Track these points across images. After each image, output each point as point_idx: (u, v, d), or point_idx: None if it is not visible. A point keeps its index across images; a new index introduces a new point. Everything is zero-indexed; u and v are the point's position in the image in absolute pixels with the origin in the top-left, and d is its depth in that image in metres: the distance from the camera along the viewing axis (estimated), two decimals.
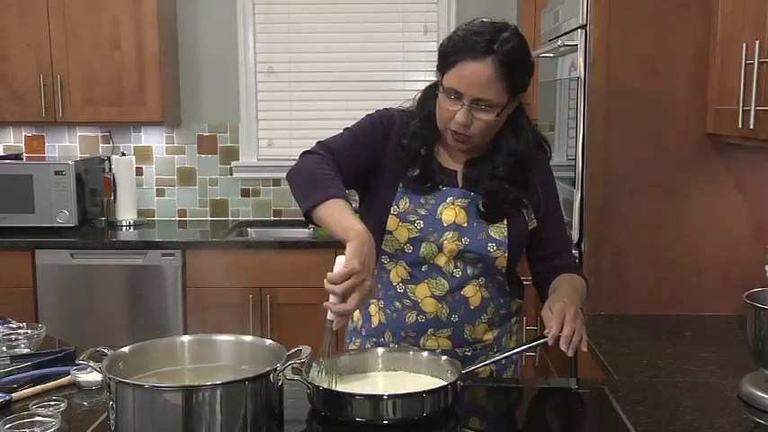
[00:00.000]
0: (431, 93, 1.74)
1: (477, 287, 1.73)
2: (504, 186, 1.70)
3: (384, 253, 1.75)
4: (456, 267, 1.71)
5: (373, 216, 1.75)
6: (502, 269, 1.74)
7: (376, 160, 1.74)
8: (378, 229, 1.72)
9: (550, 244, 1.83)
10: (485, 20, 1.64)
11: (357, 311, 1.84)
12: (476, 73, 1.59)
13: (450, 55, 1.62)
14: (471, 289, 1.73)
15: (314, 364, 1.48)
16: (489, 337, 1.78)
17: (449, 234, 1.70)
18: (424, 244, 1.71)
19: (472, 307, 1.73)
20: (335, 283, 1.41)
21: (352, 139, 1.74)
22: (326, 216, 1.54)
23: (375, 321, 1.80)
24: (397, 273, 1.74)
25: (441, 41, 1.69)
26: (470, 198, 1.72)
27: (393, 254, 1.74)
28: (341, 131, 1.78)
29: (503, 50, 1.58)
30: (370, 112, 1.80)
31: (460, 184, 1.75)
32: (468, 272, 1.72)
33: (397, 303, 1.75)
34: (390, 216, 1.71)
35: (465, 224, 1.71)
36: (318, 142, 1.73)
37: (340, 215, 1.52)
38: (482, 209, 1.71)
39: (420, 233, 1.70)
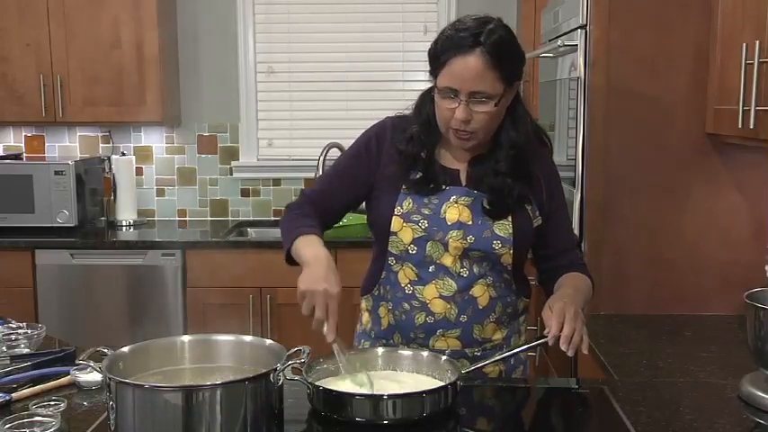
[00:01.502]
0: (427, 97, 1.75)
1: (484, 287, 1.73)
2: (507, 182, 1.71)
3: (390, 254, 1.75)
4: (463, 267, 1.71)
5: (377, 218, 1.76)
6: (508, 266, 1.74)
7: (370, 178, 1.78)
8: (383, 230, 1.74)
9: (555, 242, 1.83)
10: (469, 16, 1.66)
11: (366, 314, 1.87)
12: (467, 67, 1.60)
13: (439, 56, 1.64)
14: (479, 289, 1.73)
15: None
16: (498, 336, 1.78)
17: (453, 232, 1.70)
18: (430, 243, 1.71)
19: (480, 307, 1.73)
20: (309, 313, 1.54)
21: (338, 174, 1.84)
22: (294, 254, 1.68)
23: (384, 323, 1.80)
24: (404, 274, 1.75)
25: (429, 46, 1.69)
26: (474, 196, 1.73)
27: (399, 255, 1.74)
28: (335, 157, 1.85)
29: (490, 41, 1.59)
30: (366, 130, 1.84)
31: (464, 183, 1.75)
32: (475, 271, 1.72)
33: (406, 305, 1.75)
34: (394, 217, 1.72)
35: (470, 222, 1.71)
36: (301, 191, 1.87)
37: (296, 251, 1.67)
38: (486, 206, 1.71)
39: (425, 232, 1.71)
